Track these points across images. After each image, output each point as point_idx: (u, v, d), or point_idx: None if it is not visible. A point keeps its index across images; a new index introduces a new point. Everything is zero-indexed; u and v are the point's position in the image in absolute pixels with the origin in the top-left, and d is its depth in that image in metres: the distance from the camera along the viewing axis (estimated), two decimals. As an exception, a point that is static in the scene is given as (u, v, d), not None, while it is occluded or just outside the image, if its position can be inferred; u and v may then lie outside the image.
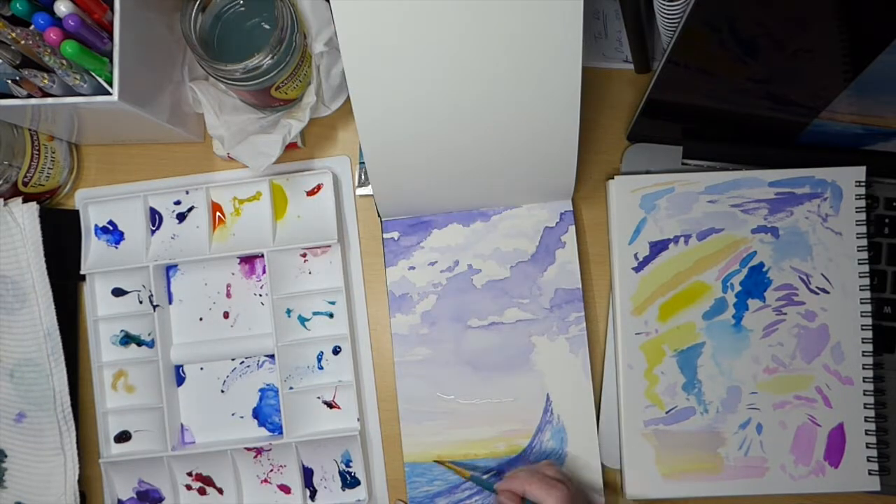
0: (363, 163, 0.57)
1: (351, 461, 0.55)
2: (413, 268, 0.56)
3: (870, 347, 0.53)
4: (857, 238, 0.53)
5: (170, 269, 0.57)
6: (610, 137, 0.58)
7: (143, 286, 0.56)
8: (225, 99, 0.54)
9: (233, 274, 0.57)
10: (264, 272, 0.56)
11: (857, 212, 0.53)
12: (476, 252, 0.56)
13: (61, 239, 0.56)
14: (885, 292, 0.55)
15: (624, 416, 0.53)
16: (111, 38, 0.45)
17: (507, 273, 0.55)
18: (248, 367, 0.57)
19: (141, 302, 0.56)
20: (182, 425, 0.56)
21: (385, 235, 0.56)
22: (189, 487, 0.56)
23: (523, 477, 0.48)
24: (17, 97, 0.46)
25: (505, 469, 0.54)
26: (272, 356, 0.56)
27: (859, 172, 0.54)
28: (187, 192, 0.57)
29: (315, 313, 0.56)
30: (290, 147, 0.56)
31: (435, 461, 0.54)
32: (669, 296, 0.54)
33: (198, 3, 0.48)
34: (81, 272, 0.56)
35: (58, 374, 0.54)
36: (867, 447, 0.52)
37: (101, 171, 0.59)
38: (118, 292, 0.57)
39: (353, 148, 0.58)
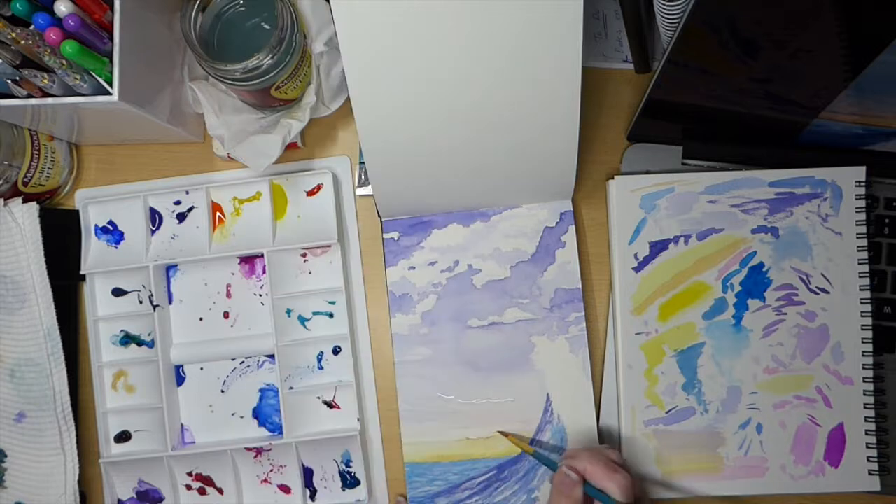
0: (363, 163, 0.57)
1: (351, 461, 0.55)
2: (413, 268, 0.56)
3: (870, 347, 0.53)
4: (857, 238, 0.53)
5: (170, 269, 0.57)
6: (610, 137, 0.58)
7: (143, 286, 0.56)
8: (225, 99, 0.54)
9: (233, 274, 0.57)
10: (264, 272, 0.56)
11: (857, 212, 0.53)
12: (476, 252, 0.56)
13: (61, 239, 0.56)
14: (885, 292, 0.55)
15: (624, 416, 0.53)
16: (111, 38, 0.45)
17: (507, 273, 0.55)
18: (248, 367, 0.57)
19: (141, 302, 0.56)
20: (182, 425, 0.56)
21: (385, 235, 0.56)
22: (189, 487, 0.56)
23: (586, 457, 0.47)
24: (17, 97, 0.46)
25: (506, 468, 0.54)
26: (272, 356, 0.56)
27: (859, 172, 0.54)
28: (187, 192, 0.57)
29: (315, 313, 0.56)
30: (290, 147, 0.56)
31: (499, 432, 0.54)
32: (669, 296, 0.54)
33: (198, 3, 0.48)
34: (81, 272, 0.56)
35: (58, 374, 0.54)
36: (867, 447, 0.52)
37: (101, 171, 0.59)
38: (118, 292, 0.57)
39: (353, 148, 0.58)
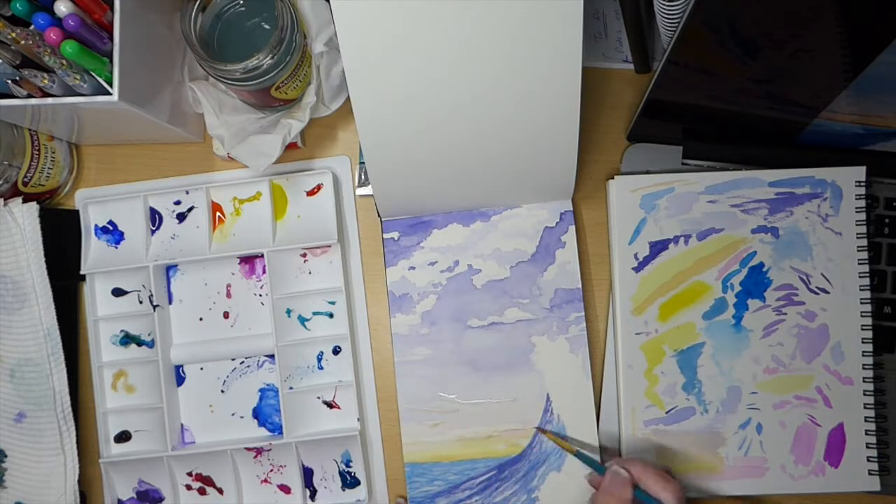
0: (363, 163, 0.57)
1: (351, 461, 0.55)
2: (413, 268, 0.56)
3: (870, 347, 0.53)
4: (857, 238, 0.53)
5: (170, 269, 0.57)
6: (610, 137, 0.58)
7: (143, 286, 0.56)
8: (225, 99, 0.54)
9: (233, 274, 0.57)
10: (264, 272, 0.56)
11: (857, 212, 0.53)
12: (476, 252, 0.56)
13: (61, 239, 0.56)
14: (885, 292, 0.55)
15: (624, 416, 0.53)
16: (111, 38, 0.45)
17: (507, 273, 0.55)
18: (248, 367, 0.57)
19: (141, 302, 0.56)
20: (182, 425, 0.56)
21: (385, 235, 0.56)
22: (189, 487, 0.56)
23: (640, 466, 0.47)
24: (17, 97, 0.46)
25: (506, 468, 0.54)
26: (272, 356, 0.56)
27: (859, 172, 0.54)
28: (187, 192, 0.57)
29: (315, 313, 0.56)
30: (290, 147, 0.56)
31: (537, 428, 0.53)
32: (669, 296, 0.54)
33: (198, 3, 0.48)
34: (81, 272, 0.56)
35: (58, 374, 0.54)
36: (867, 447, 0.52)
37: (101, 171, 0.59)
38: (118, 292, 0.57)
39: (353, 148, 0.58)
